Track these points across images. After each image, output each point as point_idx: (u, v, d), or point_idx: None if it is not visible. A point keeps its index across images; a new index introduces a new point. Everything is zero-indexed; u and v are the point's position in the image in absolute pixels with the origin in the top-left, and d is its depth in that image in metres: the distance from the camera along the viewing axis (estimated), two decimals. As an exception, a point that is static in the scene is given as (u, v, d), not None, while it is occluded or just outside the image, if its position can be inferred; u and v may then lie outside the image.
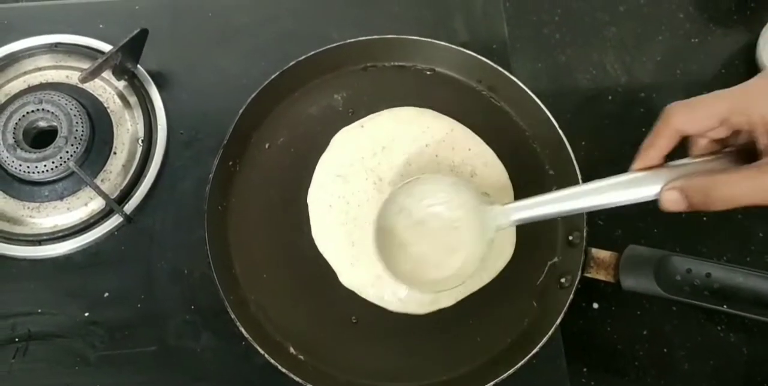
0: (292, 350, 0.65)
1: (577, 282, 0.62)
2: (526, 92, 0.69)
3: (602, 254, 0.63)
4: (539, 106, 0.69)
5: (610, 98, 0.78)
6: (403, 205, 0.61)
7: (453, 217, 0.59)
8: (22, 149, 0.71)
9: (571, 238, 0.66)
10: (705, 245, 0.71)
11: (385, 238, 0.61)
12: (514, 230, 0.68)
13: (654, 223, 0.72)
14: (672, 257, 0.60)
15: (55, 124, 0.72)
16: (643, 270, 0.60)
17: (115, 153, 0.75)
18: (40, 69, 0.79)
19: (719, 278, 0.59)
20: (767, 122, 0.44)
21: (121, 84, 0.78)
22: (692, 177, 0.48)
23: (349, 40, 0.72)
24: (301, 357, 0.65)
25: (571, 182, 0.65)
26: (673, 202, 0.48)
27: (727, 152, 0.50)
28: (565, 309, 0.61)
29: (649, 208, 0.71)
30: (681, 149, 0.52)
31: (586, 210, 0.54)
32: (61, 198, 0.73)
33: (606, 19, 0.83)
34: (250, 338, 0.62)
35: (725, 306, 0.58)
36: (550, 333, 0.61)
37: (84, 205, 0.73)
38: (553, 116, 0.68)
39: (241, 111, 0.69)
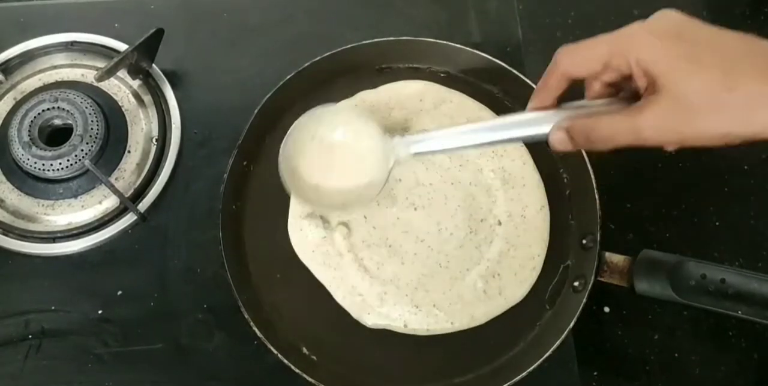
0: (305, 350, 0.66)
1: (590, 287, 0.62)
2: (541, 95, 0.69)
3: (616, 258, 0.63)
4: (553, 109, 0.69)
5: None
6: (315, 132, 0.61)
7: (362, 146, 0.60)
8: (37, 146, 0.71)
9: (584, 242, 0.66)
10: (717, 250, 0.71)
11: (292, 162, 0.61)
12: (541, 258, 0.68)
13: (666, 227, 0.72)
14: (687, 263, 0.60)
15: (70, 122, 0.73)
16: (658, 275, 0.60)
17: (129, 152, 0.75)
18: (55, 67, 0.80)
19: (734, 283, 0.59)
20: (643, 65, 0.46)
21: (136, 83, 0.78)
22: (578, 118, 0.49)
23: (363, 42, 0.73)
24: (314, 357, 0.65)
25: (586, 185, 0.66)
26: (559, 141, 0.50)
27: (620, 97, 0.51)
28: (578, 313, 0.61)
29: (662, 212, 0.72)
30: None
31: (481, 147, 0.56)
32: (75, 196, 0.74)
33: (620, 22, 0.81)
34: (263, 338, 0.62)
35: (740, 312, 0.58)
36: (562, 337, 0.61)
37: (98, 203, 0.74)
38: (567, 120, 0.68)
39: (255, 111, 0.69)
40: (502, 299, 0.67)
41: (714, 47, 0.45)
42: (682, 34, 0.46)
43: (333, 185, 0.60)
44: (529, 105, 0.53)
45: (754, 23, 0.82)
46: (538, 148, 0.72)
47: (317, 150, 0.61)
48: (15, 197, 0.74)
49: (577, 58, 0.49)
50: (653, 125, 0.45)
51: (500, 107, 0.73)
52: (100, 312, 0.70)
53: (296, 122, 0.62)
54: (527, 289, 0.67)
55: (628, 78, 0.48)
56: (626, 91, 0.50)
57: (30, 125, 0.72)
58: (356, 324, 0.67)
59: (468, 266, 0.67)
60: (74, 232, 0.72)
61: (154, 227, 0.73)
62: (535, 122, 0.52)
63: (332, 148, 0.61)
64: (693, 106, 0.44)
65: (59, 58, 0.80)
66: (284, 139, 0.62)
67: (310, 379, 0.61)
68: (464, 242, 0.68)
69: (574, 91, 0.52)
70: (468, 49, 0.72)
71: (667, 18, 0.48)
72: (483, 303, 0.66)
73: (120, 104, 0.77)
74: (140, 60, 0.75)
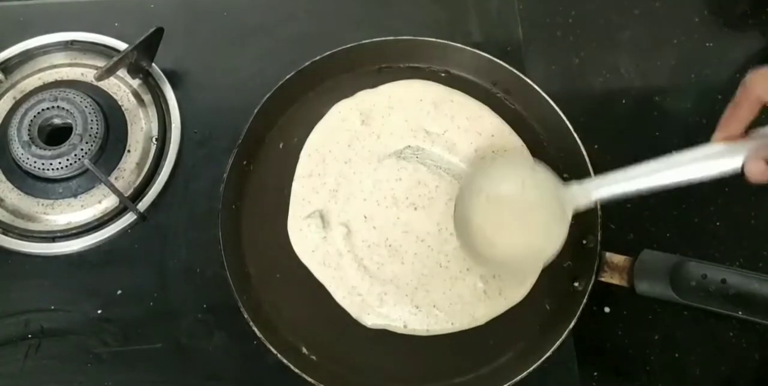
0: (304, 350, 0.65)
1: (590, 287, 0.62)
2: (541, 95, 0.69)
3: (616, 258, 0.63)
4: (554, 109, 0.69)
5: (623, 101, 0.78)
6: (481, 187, 0.60)
7: (530, 199, 0.59)
8: (36, 146, 0.71)
9: (584, 242, 0.66)
10: (717, 250, 0.71)
11: (464, 221, 0.61)
12: (540, 264, 0.67)
13: (666, 227, 0.72)
14: (687, 263, 0.60)
15: (69, 121, 0.73)
16: (658, 275, 0.60)
17: (129, 151, 0.75)
18: (55, 66, 0.80)
19: (735, 284, 0.59)
20: None
21: (135, 82, 0.78)
22: None
23: (363, 41, 0.73)
24: (314, 357, 0.65)
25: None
26: (759, 173, 0.47)
27: None
28: (578, 313, 0.61)
29: (662, 213, 0.72)
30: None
31: (668, 186, 0.52)
32: (75, 195, 0.74)
33: (620, 22, 0.82)
34: (262, 338, 0.62)
35: (740, 313, 0.58)
36: (563, 337, 0.61)
37: (98, 202, 0.73)
38: (567, 119, 0.68)
39: (255, 110, 0.69)
40: (502, 299, 0.66)
41: None
42: None
43: (506, 242, 0.59)
44: (717, 135, 0.50)
45: (755, 22, 0.82)
46: (537, 148, 0.72)
47: (487, 206, 0.59)
48: (15, 197, 0.74)
49: None
50: None
51: (500, 107, 0.73)
52: (99, 311, 0.70)
53: (464, 179, 0.62)
54: (527, 289, 0.67)
55: None
56: None
57: (30, 125, 0.72)
58: (356, 323, 0.66)
59: (468, 266, 0.67)
60: (74, 231, 0.72)
61: (153, 227, 0.73)
62: (728, 153, 0.49)
63: (503, 203, 0.59)
64: None
65: (59, 58, 0.80)
66: (457, 196, 0.62)
67: (309, 379, 0.61)
68: None
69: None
70: (468, 48, 0.72)
71: None
72: (483, 303, 0.66)
73: (120, 103, 0.77)
74: (140, 59, 0.75)
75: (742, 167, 0.48)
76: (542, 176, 0.60)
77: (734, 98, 0.49)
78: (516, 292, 0.67)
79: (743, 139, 0.49)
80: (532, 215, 0.59)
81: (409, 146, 0.71)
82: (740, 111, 0.48)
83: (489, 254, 0.60)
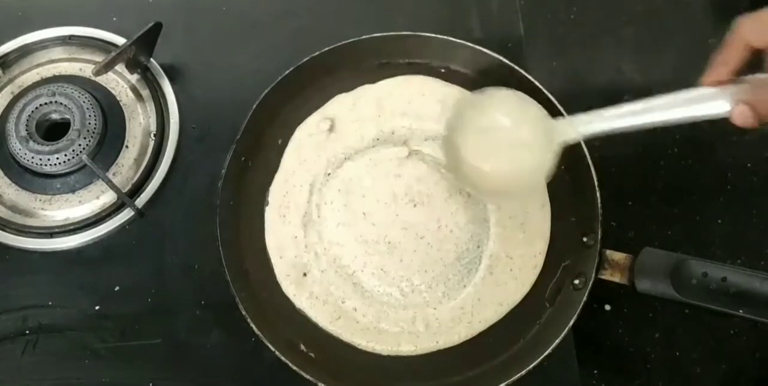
0: (302, 347, 0.65)
1: (591, 284, 0.61)
2: (542, 92, 0.69)
3: (617, 256, 0.62)
4: (555, 105, 0.68)
5: (625, 98, 0.77)
6: (471, 119, 0.61)
7: (520, 132, 0.59)
8: (34, 141, 0.71)
9: (585, 239, 0.66)
10: (718, 248, 0.71)
11: (455, 148, 0.61)
12: (542, 256, 0.68)
13: (667, 225, 0.72)
14: (688, 261, 0.60)
15: (67, 116, 0.72)
16: (659, 273, 0.60)
17: (127, 147, 0.75)
18: (53, 61, 0.79)
19: (736, 282, 0.58)
20: None
21: (134, 77, 0.78)
22: (762, 92, 0.47)
23: (363, 37, 0.72)
24: (312, 354, 0.65)
25: (587, 183, 0.65)
26: (744, 117, 0.47)
27: None
28: (578, 310, 0.61)
29: (663, 210, 0.72)
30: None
31: (658, 125, 0.53)
32: (73, 191, 0.73)
33: (622, 18, 0.82)
34: (260, 335, 0.62)
35: (741, 311, 0.58)
36: (563, 334, 0.60)
37: (96, 198, 0.73)
38: (568, 116, 0.68)
39: (254, 106, 0.69)
40: (498, 305, 0.66)
41: None
42: None
43: (496, 170, 0.60)
44: (705, 79, 0.50)
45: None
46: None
47: (478, 136, 0.60)
48: (12, 192, 0.74)
49: (761, 26, 0.47)
50: None
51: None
52: (97, 307, 0.70)
53: (454, 109, 0.62)
54: (528, 287, 0.67)
55: None
56: None
57: (27, 120, 0.72)
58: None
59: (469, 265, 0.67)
60: (72, 227, 0.71)
61: (151, 223, 0.72)
62: (713, 97, 0.49)
63: (493, 133, 0.60)
64: None
65: (57, 52, 0.80)
66: (444, 126, 0.62)
67: (307, 376, 0.60)
68: (465, 241, 0.67)
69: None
70: (469, 44, 0.72)
71: None
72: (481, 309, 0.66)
73: (118, 98, 0.77)
74: (138, 54, 0.75)
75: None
76: (533, 110, 0.60)
77: (724, 42, 0.49)
78: (515, 293, 0.67)
79: (731, 83, 0.49)
80: (520, 146, 0.59)
81: (407, 142, 0.71)
82: (728, 55, 0.49)
83: (478, 181, 0.61)
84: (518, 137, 0.59)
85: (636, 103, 0.53)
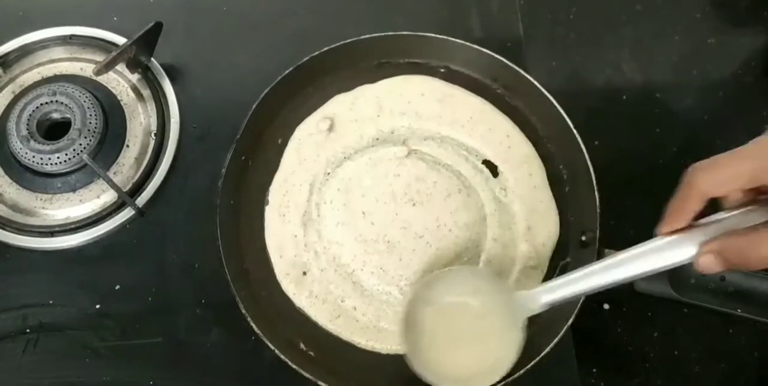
0: (302, 346, 0.65)
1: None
2: (542, 91, 0.69)
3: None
4: (554, 105, 0.68)
5: (624, 97, 0.78)
6: (428, 299, 0.60)
7: (479, 307, 0.58)
8: (35, 140, 0.71)
9: (584, 238, 0.66)
10: (718, 247, 0.71)
11: (413, 336, 0.59)
12: (537, 281, 0.67)
13: (667, 224, 0.72)
14: (687, 260, 0.60)
15: (68, 116, 0.72)
16: (657, 273, 0.60)
17: (128, 146, 0.75)
18: (54, 61, 0.80)
19: (734, 281, 0.58)
20: None
21: (134, 77, 0.78)
22: (727, 238, 0.46)
23: (363, 37, 0.72)
24: (312, 353, 0.65)
25: (586, 181, 0.65)
26: (708, 266, 0.47)
27: (763, 200, 0.48)
28: (576, 310, 0.61)
29: (662, 209, 0.72)
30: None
31: (620, 283, 0.52)
32: (73, 190, 0.73)
33: (622, 18, 0.82)
34: (260, 333, 0.62)
35: (739, 310, 0.58)
36: (561, 333, 0.60)
37: (96, 197, 0.73)
38: (567, 116, 0.68)
39: (254, 106, 0.69)
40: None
41: None
42: None
43: (458, 355, 0.58)
44: (662, 228, 0.49)
45: (758, 18, 0.82)
46: (537, 145, 0.71)
47: (435, 317, 0.58)
48: (13, 191, 0.74)
49: (717, 177, 0.46)
50: None
51: (500, 103, 0.73)
52: (98, 306, 0.70)
53: (413, 290, 0.61)
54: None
55: None
56: (766, 195, 0.47)
57: (28, 119, 0.72)
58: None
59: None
60: (72, 226, 0.72)
61: (152, 222, 0.73)
62: (677, 245, 0.49)
63: (451, 312, 0.58)
64: None
65: (58, 52, 0.80)
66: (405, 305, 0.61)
67: (307, 375, 0.61)
68: (464, 240, 0.68)
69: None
70: (468, 44, 0.72)
71: None
72: None
73: (119, 98, 0.77)
74: (139, 54, 0.75)
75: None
76: (490, 284, 0.59)
77: (678, 192, 0.48)
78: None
79: (692, 229, 0.49)
80: (482, 324, 0.58)
81: (406, 142, 0.71)
82: (686, 206, 0.48)
83: (442, 370, 0.58)
84: (483, 317, 0.58)
85: (596, 263, 0.53)
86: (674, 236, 0.49)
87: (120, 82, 0.78)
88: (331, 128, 0.71)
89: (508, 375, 0.60)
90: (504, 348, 0.57)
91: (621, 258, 0.51)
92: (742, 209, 0.48)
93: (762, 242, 0.44)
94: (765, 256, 0.44)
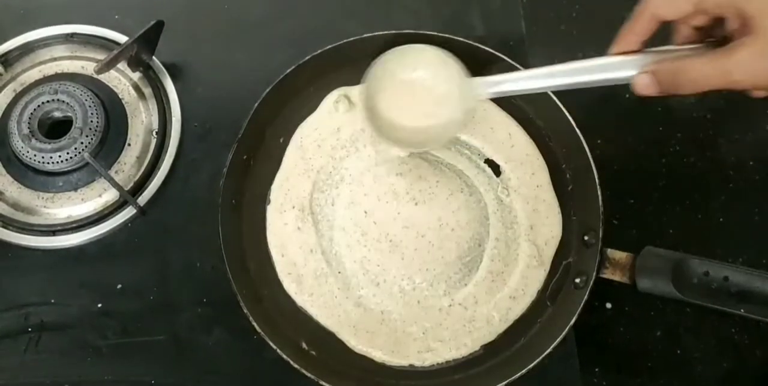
0: (304, 345, 0.65)
1: (592, 283, 0.61)
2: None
3: (618, 255, 0.62)
4: (557, 104, 0.68)
5: (627, 96, 0.77)
6: (394, 70, 0.62)
7: (440, 90, 0.61)
8: (36, 139, 0.71)
9: (586, 238, 0.66)
10: (720, 247, 0.70)
11: (374, 99, 0.63)
12: (540, 280, 0.67)
13: (669, 223, 0.71)
14: (690, 260, 0.60)
15: (70, 114, 0.72)
16: (660, 272, 0.60)
17: (129, 145, 0.75)
18: (55, 59, 0.79)
19: (737, 282, 0.58)
20: (737, 4, 0.45)
21: (136, 75, 0.78)
22: (662, 61, 0.49)
23: (365, 35, 0.72)
24: (314, 352, 0.65)
25: (589, 181, 0.65)
26: (644, 85, 0.49)
27: (709, 41, 0.50)
28: (579, 309, 0.61)
29: (665, 209, 0.72)
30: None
31: (561, 88, 0.56)
32: (75, 189, 0.73)
33: (625, 15, 0.81)
34: (262, 333, 0.62)
35: (743, 310, 0.58)
36: (563, 333, 0.60)
37: (98, 196, 0.73)
38: (570, 114, 0.68)
39: (256, 105, 0.69)
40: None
41: None
42: None
43: (410, 123, 0.61)
44: (613, 48, 0.52)
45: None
46: (539, 143, 0.71)
47: (395, 88, 0.62)
48: (15, 190, 0.74)
49: None
50: (745, 67, 0.44)
51: (502, 102, 0.73)
52: (99, 305, 0.70)
53: (379, 58, 0.63)
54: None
55: (718, 21, 0.47)
56: (716, 37, 0.49)
57: (30, 118, 0.71)
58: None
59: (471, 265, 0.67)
60: (74, 225, 0.72)
61: (153, 221, 0.72)
62: (620, 65, 0.51)
63: (410, 86, 0.62)
64: None
65: (59, 50, 0.80)
66: (365, 74, 0.63)
67: (309, 375, 0.61)
68: (466, 239, 0.67)
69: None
70: (470, 42, 0.71)
71: None
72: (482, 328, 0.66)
73: (120, 96, 0.77)
74: (140, 52, 0.75)
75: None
76: (451, 67, 0.61)
77: (632, 13, 0.51)
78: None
79: (638, 53, 0.51)
80: (434, 101, 0.61)
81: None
82: (637, 26, 0.50)
83: (391, 132, 0.63)
84: (435, 91, 0.61)
85: (546, 67, 0.55)
86: (621, 57, 0.52)
87: (121, 80, 0.78)
88: (349, 109, 0.72)
89: (510, 375, 0.60)
90: (450, 122, 0.61)
91: (569, 67, 0.54)
92: (689, 46, 0.50)
93: (693, 65, 0.47)
94: (693, 79, 0.47)
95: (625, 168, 0.73)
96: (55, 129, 0.73)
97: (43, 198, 0.73)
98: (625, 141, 0.75)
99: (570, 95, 0.69)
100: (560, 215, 0.69)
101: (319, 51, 0.71)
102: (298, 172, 0.70)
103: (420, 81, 0.62)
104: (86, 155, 0.71)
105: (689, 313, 0.68)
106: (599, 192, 0.64)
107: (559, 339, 0.60)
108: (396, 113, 0.62)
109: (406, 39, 0.72)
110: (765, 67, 0.44)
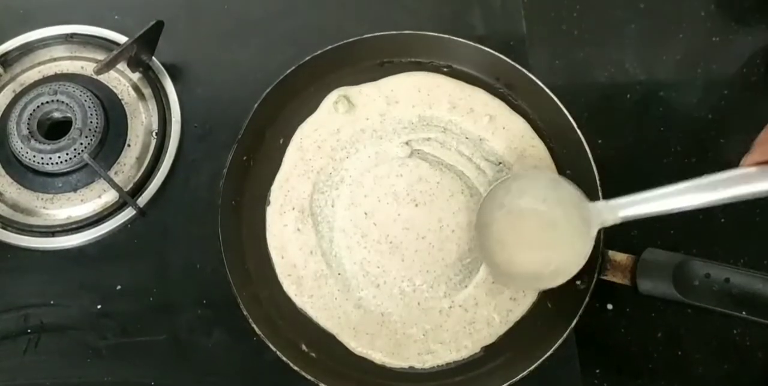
0: (304, 347, 0.65)
1: (593, 285, 0.61)
2: (545, 90, 0.69)
3: (619, 256, 0.62)
4: (557, 104, 0.68)
5: (628, 96, 0.77)
6: (502, 201, 0.60)
7: (551, 214, 0.59)
8: (36, 140, 0.71)
9: (587, 239, 0.66)
10: (721, 248, 0.70)
11: (484, 234, 0.61)
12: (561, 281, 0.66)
13: (671, 225, 0.71)
14: (691, 262, 0.59)
15: (69, 115, 0.72)
16: (661, 274, 0.59)
17: (129, 145, 0.75)
18: (55, 60, 0.79)
19: (738, 283, 0.58)
20: None
21: (135, 76, 0.78)
22: None
23: (365, 36, 0.72)
24: (313, 354, 0.65)
25: (590, 182, 0.65)
26: None
27: None
28: (580, 311, 0.60)
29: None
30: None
31: (698, 207, 0.52)
32: (74, 190, 0.73)
33: (626, 16, 0.81)
34: (261, 334, 0.62)
35: (744, 313, 0.57)
36: (565, 334, 0.60)
37: (97, 197, 0.73)
38: (571, 114, 0.68)
39: (255, 105, 0.69)
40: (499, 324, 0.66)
41: None
42: None
43: (525, 258, 0.59)
44: (749, 158, 0.49)
45: (762, 17, 0.81)
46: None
47: (507, 220, 0.59)
48: (14, 191, 0.74)
49: None
50: None
51: (504, 101, 0.72)
52: (99, 306, 0.70)
53: (488, 193, 0.62)
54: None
55: None
56: None
57: (29, 118, 0.71)
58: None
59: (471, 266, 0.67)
60: (73, 226, 0.71)
61: (153, 222, 0.72)
62: (757, 177, 0.48)
63: (522, 217, 0.59)
64: None
65: (59, 51, 0.80)
66: (478, 211, 0.62)
67: (308, 376, 0.61)
68: (466, 240, 0.67)
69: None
70: (471, 43, 0.71)
71: None
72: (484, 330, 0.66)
73: (120, 97, 0.77)
74: (140, 53, 0.75)
75: None
76: (566, 192, 0.59)
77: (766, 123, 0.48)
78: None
79: None
80: (552, 231, 0.58)
81: (409, 142, 0.71)
82: None
83: (508, 270, 0.60)
84: (554, 225, 0.58)
85: (677, 184, 0.52)
86: (758, 168, 0.49)
87: (121, 81, 0.78)
88: (348, 110, 0.71)
89: (510, 377, 0.60)
90: (570, 254, 0.58)
91: (703, 183, 0.51)
92: None
93: None
94: None
95: (625, 168, 0.73)
96: (54, 130, 0.73)
97: (42, 199, 0.73)
98: (626, 141, 0.75)
99: (571, 96, 0.70)
100: None
101: (319, 52, 0.71)
102: (298, 173, 0.70)
103: (530, 210, 0.59)
104: (86, 155, 0.71)
105: (690, 315, 0.68)
106: (600, 192, 0.64)
107: (560, 341, 0.60)
108: (508, 248, 0.60)
109: (406, 39, 0.72)
110: None
